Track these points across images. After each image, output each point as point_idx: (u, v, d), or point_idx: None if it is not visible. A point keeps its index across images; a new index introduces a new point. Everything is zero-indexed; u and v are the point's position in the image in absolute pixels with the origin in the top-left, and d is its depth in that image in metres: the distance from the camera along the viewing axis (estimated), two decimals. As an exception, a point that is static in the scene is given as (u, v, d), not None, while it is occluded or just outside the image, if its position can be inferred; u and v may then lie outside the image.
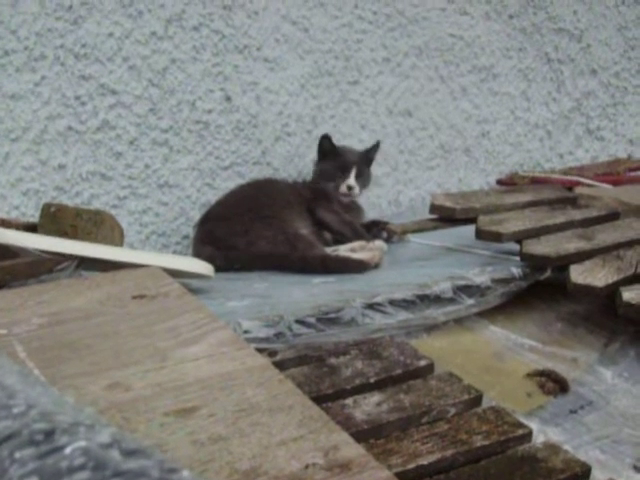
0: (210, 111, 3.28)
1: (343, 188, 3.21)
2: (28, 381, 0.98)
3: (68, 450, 0.77)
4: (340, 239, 3.04)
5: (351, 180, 3.22)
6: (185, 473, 0.77)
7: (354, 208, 3.27)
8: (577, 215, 3.06)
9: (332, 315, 2.26)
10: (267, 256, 2.88)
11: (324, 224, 3.10)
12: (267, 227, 2.95)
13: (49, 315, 1.82)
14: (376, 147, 3.37)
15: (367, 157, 3.34)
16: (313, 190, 3.20)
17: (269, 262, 2.86)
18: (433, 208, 3.00)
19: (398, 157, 3.80)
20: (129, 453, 0.78)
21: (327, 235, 3.10)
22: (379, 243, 2.98)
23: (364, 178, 3.28)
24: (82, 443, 0.77)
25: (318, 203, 3.15)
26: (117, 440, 0.79)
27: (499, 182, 4.05)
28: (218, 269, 2.60)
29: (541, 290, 2.71)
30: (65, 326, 1.78)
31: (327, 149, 3.25)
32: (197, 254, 2.93)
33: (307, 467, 1.32)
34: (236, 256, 2.88)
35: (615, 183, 3.87)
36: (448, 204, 2.97)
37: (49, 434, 0.79)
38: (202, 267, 2.48)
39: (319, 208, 3.13)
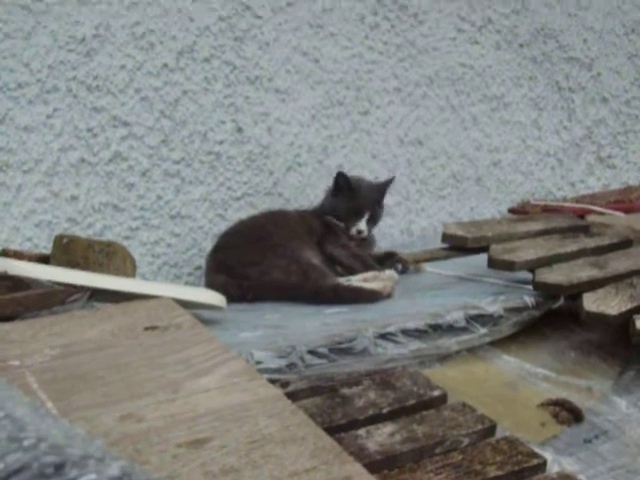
0: (222, 142, 3.29)
1: (353, 231, 3.17)
2: (38, 413, 0.98)
3: (78, 483, 0.77)
4: (351, 273, 3.01)
5: (362, 225, 3.17)
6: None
7: (366, 242, 3.24)
8: (589, 243, 3.05)
9: (344, 345, 2.26)
10: (280, 285, 2.87)
11: (334, 259, 3.07)
12: (280, 257, 2.94)
13: (61, 346, 1.82)
14: (390, 182, 3.30)
15: (381, 193, 3.27)
16: (322, 222, 3.17)
17: (282, 291, 2.86)
18: (445, 237, 2.99)
19: (410, 186, 3.80)
20: (139, 486, 0.77)
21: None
22: (390, 273, 2.97)
23: (376, 218, 3.24)
24: (92, 476, 0.77)
25: (327, 238, 3.12)
26: (127, 473, 0.78)
27: (511, 211, 4.04)
28: (231, 298, 2.60)
29: (554, 319, 2.70)
30: (77, 357, 1.78)
31: (342, 186, 3.20)
32: (210, 283, 2.93)
33: (320, 499, 1.31)
34: (249, 285, 2.87)
35: (627, 211, 3.86)
36: (460, 233, 2.97)
37: (59, 467, 0.79)
38: (214, 298, 2.48)
39: (328, 244, 3.10)
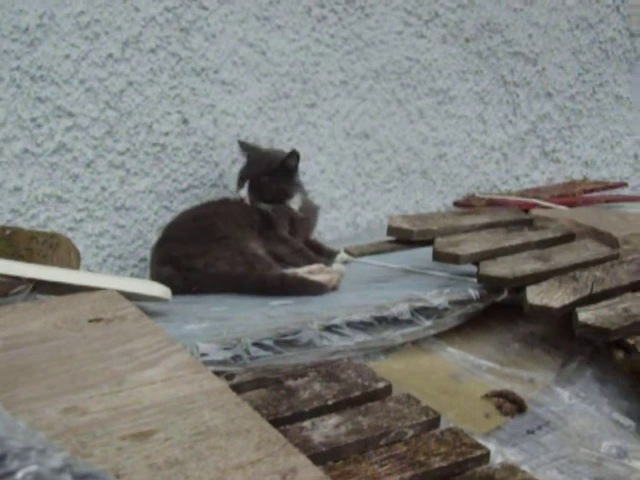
0: (167, 133, 3.27)
1: (237, 195, 3.20)
2: (-20, 406, 0.97)
3: (20, 475, 0.76)
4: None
5: (242, 192, 3.16)
6: (139, 497, 0.77)
7: (301, 223, 3.22)
8: (533, 237, 3.08)
9: (290, 337, 2.26)
10: (226, 277, 2.87)
11: (277, 257, 3.04)
12: (225, 248, 2.94)
13: (4, 339, 1.80)
14: (291, 156, 3.18)
15: (280, 166, 3.18)
16: (257, 210, 3.15)
17: (228, 283, 2.85)
18: (390, 230, 3.00)
19: (355, 179, 3.81)
20: (81, 477, 0.77)
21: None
22: (337, 266, 2.98)
23: (260, 189, 3.16)
24: (34, 467, 0.77)
25: (266, 233, 3.10)
26: (69, 464, 0.78)
27: (456, 204, 4.06)
28: (176, 290, 2.59)
29: (498, 311, 2.72)
30: (20, 350, 1.77)
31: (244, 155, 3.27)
32: (156, 274, 2.92)
33: (264, 490, 1.31)
34: (195, 277, 2.87)
35: (571, 205, 3.90)
36: (405, 226, 2.98)
37: (1, 459, 0.78)
38: (159, 290, 2.47)
39: (268, 240, 3.07)
